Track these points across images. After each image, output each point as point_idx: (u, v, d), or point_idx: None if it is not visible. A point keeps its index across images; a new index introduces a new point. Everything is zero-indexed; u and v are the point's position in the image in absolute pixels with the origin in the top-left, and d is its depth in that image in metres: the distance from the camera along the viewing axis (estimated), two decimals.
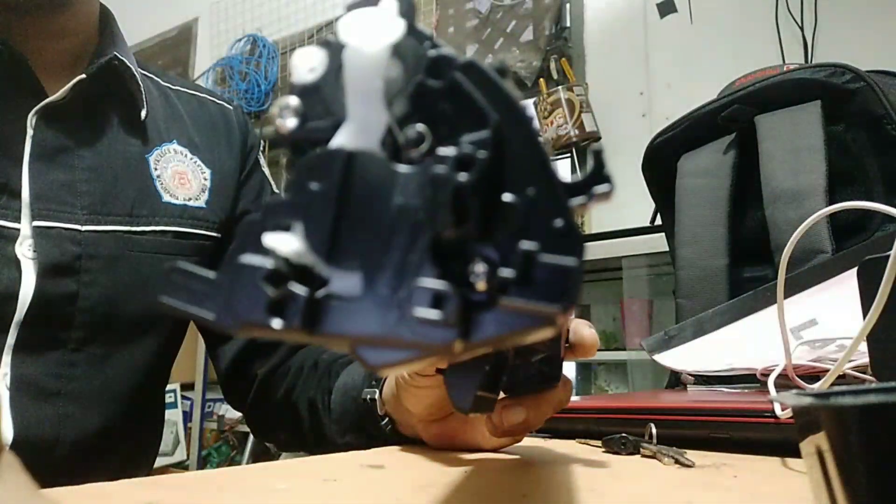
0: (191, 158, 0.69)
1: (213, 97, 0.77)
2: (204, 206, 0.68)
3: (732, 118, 0.85)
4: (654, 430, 0.46)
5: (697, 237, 0.86)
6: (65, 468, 0.57)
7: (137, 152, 0.65)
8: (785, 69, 0.90)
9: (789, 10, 2.01)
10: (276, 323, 0.13)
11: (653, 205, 0.99)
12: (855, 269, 0.43)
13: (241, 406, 0.74)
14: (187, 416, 2.58)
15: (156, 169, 0.66)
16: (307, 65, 0.15)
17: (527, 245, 0.13)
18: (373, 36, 0.14)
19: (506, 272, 0.13)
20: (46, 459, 0.57)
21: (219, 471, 0.44)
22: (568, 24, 2.41)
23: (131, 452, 0.66)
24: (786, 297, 0.50)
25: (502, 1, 2.56)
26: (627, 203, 2.21)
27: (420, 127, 0.14)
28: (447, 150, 0.13)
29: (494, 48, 2.57)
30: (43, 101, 0.59)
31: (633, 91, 2.25)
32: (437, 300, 0.12)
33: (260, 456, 2.43)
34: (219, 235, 0.70)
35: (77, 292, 0.58)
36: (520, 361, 0.35)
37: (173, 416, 2.56)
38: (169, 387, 2.70)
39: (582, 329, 0.41)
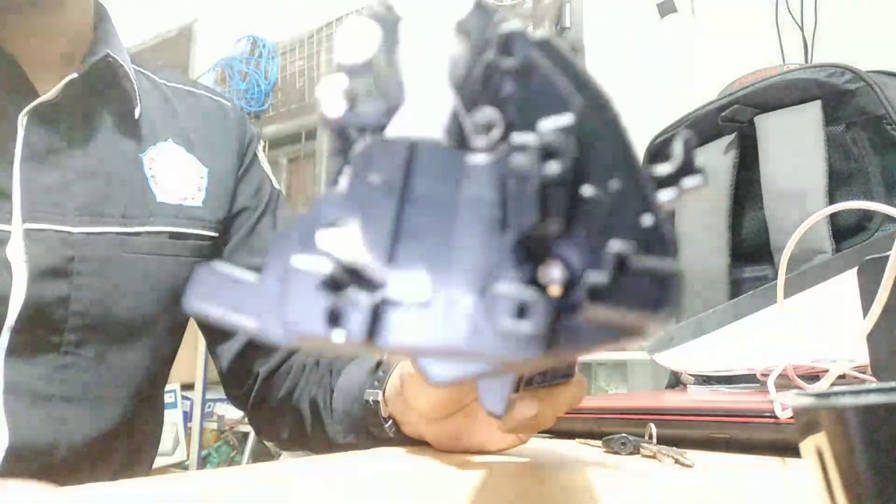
0: (186, 157, 0.69)
1: (210, 93, 0.76)
2: (200, 205, 0.68)
3: (732, 118, 0.85)
4: (654, 430, 0.46)
5: (697, 237, 0.86)
6: (63, 472, 0.57)
7: (131, 151, 0.65)
8: (785, 69, 0.90)
9: (789, 10, 2.01)
10: (338, 335, 0.11)
11: None
12: (855, 269, 0.43)
13: (242, 405, 0.73)
14: (187, 416, 2.58)
15: (150, 168, 0.65)
16: (358, 39, 0.13)
17: (618, 245, 0.11)
18: (434, 7, 0.12)
19: (595, 276, 0.11)
20: (44, 464, 0.56)
21: (219, 471, 0.44)
22: (568, 24, 2.41)
23: (130, 454, 0.65)
24: (786, 297, 0.50)
25: (502, 1, 2.56)
26: None
27: (491, 112, 0.12)
28: (526, 137, 0.12)
29: None
30: (34, 101, 0.58)
31: (633, 91, 2.25)
32: (521, 310, 0.11)
33: (260, 456, 2.43)
34: (216, 235, 0.69)
35: (69, 295, 0.58)
36: None
37: (173, 416, 2.56)
38: (169, 387, 2.71)
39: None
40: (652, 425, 0.46)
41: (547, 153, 0.11)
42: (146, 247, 0.63)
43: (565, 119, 0.12)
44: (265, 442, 2.40)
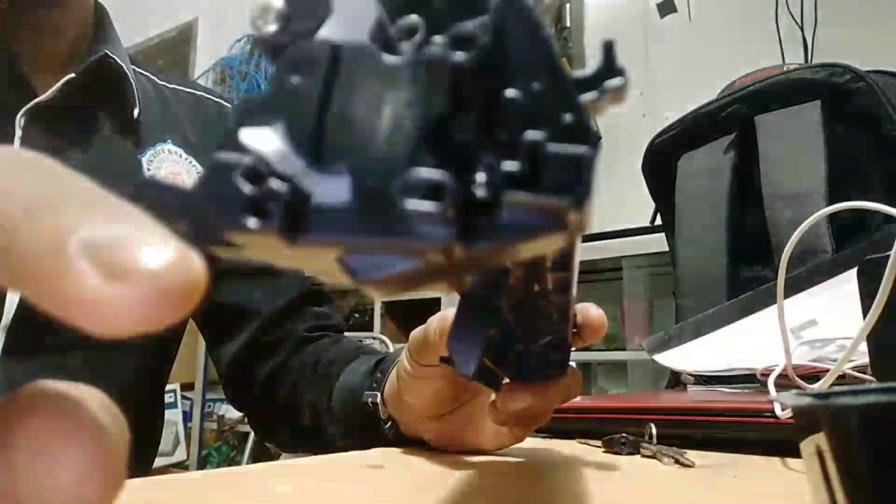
0: (186, 159, 0.69)
1: (211, 95, 0.76)
2: None
3: (732, 118, 0.85)
4: (653, 430, 0.46)
5: (697, 237, 0.86)
6: None
7: (130, 152, 0.64)
8: (785, 69, 0.90)
9: (789, 10, 2.01)
10: (252, 222, 0.11)
11: (653, 205, 0.99)
12: (855, 269, 0.43)
13: (242, 406, 0.73)
14: (187, 416, 2.58)
15: (149, 169, 0.65)
16: None
17: (533, 135, 0.11)
18: None
19: (509, 165, 0.11)
20: None
21: (219, 471, 0.44)
22: (568, 24, 2.41)
23: (134, 452, 0.65)
24: (786, 297, 0.50)
25: None
26: (627, 203, 2.21)
27: (412, 17, 0.12)
28: (459, 30, 0.12)
29: None
30: (32, 101, 0.58)
31: (634, 91, 2.25)
32: (432, 191, 0.11)
33: (260, 456, 2.43)
34: None
35: None
36: (525, 346, 0.34)
37: (173, 416, 2.56)
38: (169, 387, 2.70)
39: (588, 309, 0.39)
40: (652, 425, 0.46)
41: (461, 42, 0.11)
42: None
43: (481, 19, 0.12)
44: (265, 442, 2.40)
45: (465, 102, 0.11)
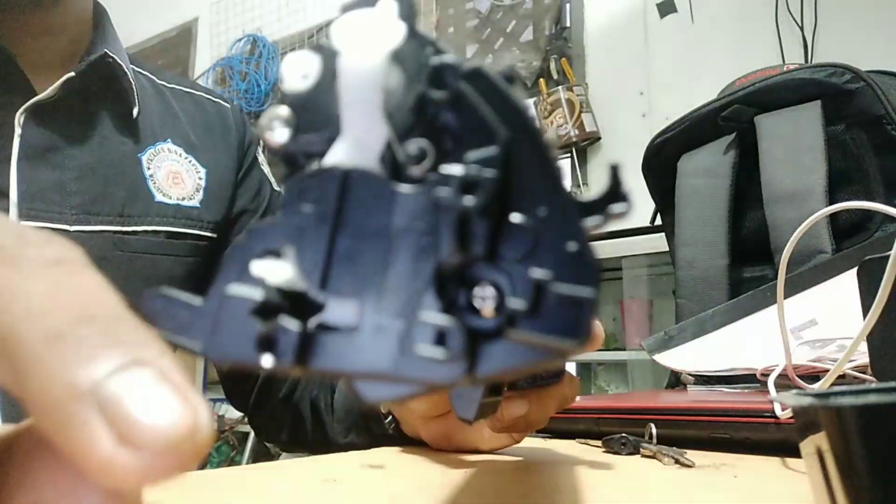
0: (185, 158, 0.69)
1: (210, 95, 0.77)
2: (198, 205, 0.68)
3: (732, 118, 0.85)
4: (654, 430, 0.46)
5: (697, 237, 0.86)
6: None
7: (130, 151, 0.65)
8: (785, 69, 0.90)
9: (789, 10, 2.01)
10: (267, 360, 0.12)
11: (653, 205, 0.99)
12: (855, 269, 0.43)
13: (243, 407, 0.73)
14: None
15: (149, 168, 0.65)
16: (299, 71, 0.13)
17: (538, 273, 0.12)
18: (370, 41, 0.13)
19: (515, 303, 0.12)
20: None
21: (219, 471, 0.44)
22: (568, 24, 2.41)
23: None
24: (786, 297, 0.50)
25: (502, 1, 2.56)
26: None
27: (422, 142, 0.13)
28: (452, 169, 0.12)
29: (494, 48, 2.57)
30: (31, 100, 0.58)
31: (633, 91, 2.25)
32: (441, 336, 0.11)
33: (260, 456, 2.43)
34: (214, 235, 0.69)
35: None
36: None
37: None
38: None
39: None
40: (652, 425, 0.46)
41: (468, 186, 0.12)
42: (143, 246, 0.63)
43: (490, 150, 0.12)
44: (266, 443, 2.40)
45: (472, 238, 0.12)
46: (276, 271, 0.12)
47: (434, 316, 0.12)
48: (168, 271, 0.64)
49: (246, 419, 0.77)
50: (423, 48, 0.13)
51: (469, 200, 0.12)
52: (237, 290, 0.12)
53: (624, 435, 0.46)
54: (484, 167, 0.12)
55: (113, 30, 0.68)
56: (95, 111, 0.63)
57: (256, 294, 0.12)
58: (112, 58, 0.63)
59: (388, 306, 0.12)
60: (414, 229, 0.12)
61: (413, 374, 0.11)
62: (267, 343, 0.12)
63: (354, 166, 0.12)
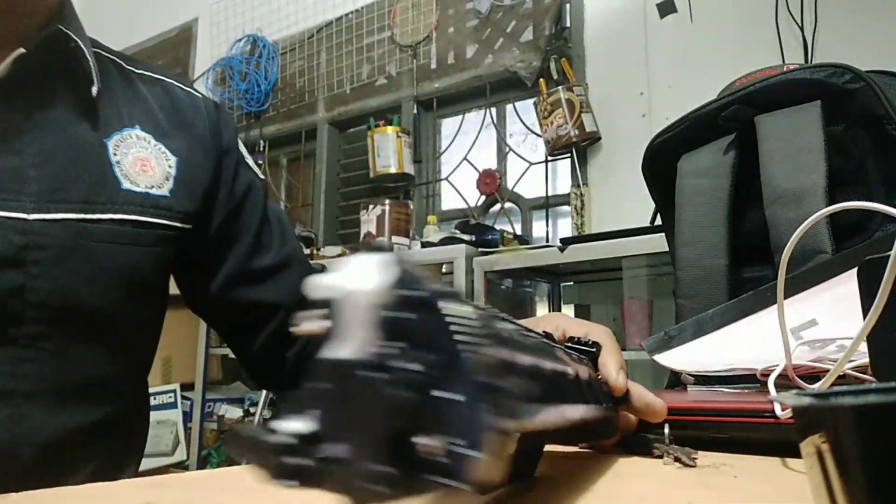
0: (155, 145, 0.66)
1: (180, 83, 0.74)
2: (167, 194, 0.65)
3: (732, 118, 0.85)
4: (666, 430, 0.46)
5: (697, 237, 0.86)
6: (32, 472, 0.55)
7: (94, 136, 0.62)
8: (785, 69, 0.90)
9: (789, 10, 2.01)
10: (277, 481, 0.18)
11: (653, 205, 0.99)
12: (855, 270, 0.43)
13: (277, 389, 0.75)
14: (187, 417, 2.58)
15: (115, 154, 0.62)
16: (325, 286, 0.19)
17: (446, 438, 0.17)
18: (368, 277, 0.19)
19: (430, 456, 0.17)
20: (7, 464, 0.54)
21: (219, 471, 0.44)
22: (568, 24, 2.41)
23: (111, 453, 0.63)
24: (786, 298, 0.50)
25: (502, 1, 2.56)
26: (627, 203, 2.21)
27: (395, 344, 0.18)
28: (410, 365, 0.18)
29: (494, 48, 2.57)
30: None
31: (633, 91, 2.25)
32: (382, 480, 0.17)
33: None
34: (185, 226, 0.66)
35: (24, 285, 0.55)
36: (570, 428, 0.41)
37: (173, 416, 2.56)
38: (169, 387, 2.70)
39: (646, 396, 0.48)
40: (666, 425, 0.46)
41: (406, 384, 0.18)
42: (108, 235, 0.60)
43: (432, 357, 0.18)
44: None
45: (406, 416, 0.18)
46: (292, 426, 0.18)
47: (377, 467, 0.18)
48: (135, 262, 0.62)
49: (246, 419, 0.78)
50: (406, 283, 0.19)
51: (404, 392, 0.18)
52: (266, 435, 0.18)
53: (643, 435, 0.46)
54: (423, 368, 0.18)
55: (73, 11, 0.65)
56: (54, 92, 0.61)
57: (275, 438, 0.18)
58: (67, 33, 0.60)
59: (358, 452, 0.18)
60: (379, 404, 0.18)
61: (361, 496, 0.18)
62: (277, 470, 0.18)
63: (347, 357, 0.18)
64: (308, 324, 0.20)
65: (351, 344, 0.18)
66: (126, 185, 0.62)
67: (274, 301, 0.72)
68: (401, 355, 0.18)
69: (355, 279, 0.19)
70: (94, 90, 0.62)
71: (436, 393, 0.18)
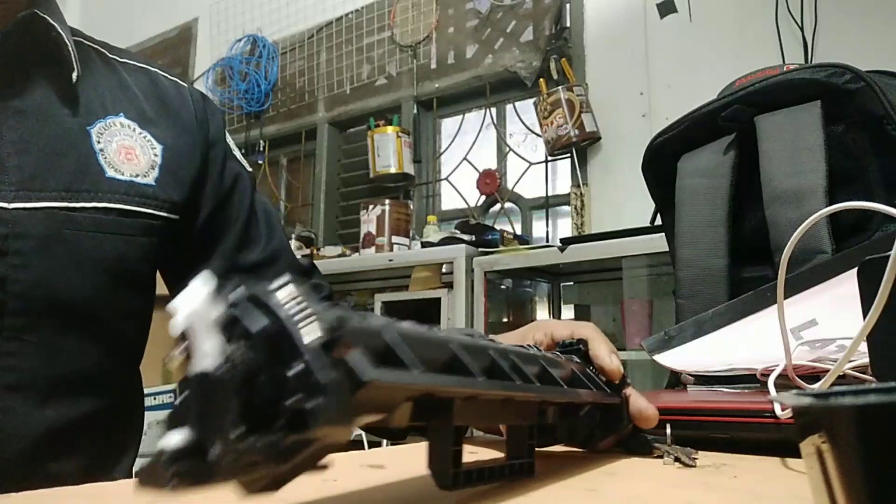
0: (140, 133, 0.65)
1: (165, 72, 0.73)
2: (153, 183, 0.64)
3: (732, 118, 0.85)
4: (668, 430, 0.46)
5: (697, 237, 0.86)
6: (19, 467, 0.54)
7: (76, 123, 0.61)
8: (785, 69, 0.90)
9: (789, 10, 2.01)
10: (172, 486, 0.20)
11: (653, 205, 0.99)
12: (855, 270, 0.43)
13: None
14: None
15: (99, 142, 0.61)
16: (175, 325, 0.22)
17: (293, 398, 0.20)
18: (194, 298, 0.21)
19: (282, 418, 0.20)
20: None
21: None
22: (568, 24, 2.41)
23: (103, 447, 0.62)
24: (786, 298, 0.50)
25: (502, 1, 2.56)
26: (627, 203, 2.21)
27: (237, 343, 0.21)
28: (251, 353, 0.21)
29: (494, 48, 2.57)
30: None
31: (633, 91, 2.25)
32: (241, 452, 0.20)
33: None
34: (171, 216, 0.65)
35: (6, 275, 0.54)
36: (567, 418, 0.41)
37: None
38: (169, 387, 2.70)
39: (639, 402, 0.47)
40: (668, 425, 0.46)
41: (232, 366, 0.20)
42: (92, 224, 0.59)
43: (251, 340, 0.21)
44: None
45: (256, 388, 0.20)
46: (173, 439, 0.20)
47: (235, 434, 0.20)
48: (120, 252, 0.61)
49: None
50: (227, 292, 0.22)
51: (230, 373, 0.20)
52: (159, 446, 0.20)
53: (643, 435, 0.46)
54: (246, 350, 0.21)
55: (56, 5, 0.64)
56: (32, 79, 0.60)
57: (166, 452, 0.20)
58: (43, 17, 0.59)
59: (224, 439, 0.20)
60: (226, 391, 0.20)
61: (240, 475, 0.20)
62: (172, 478, 0.20)
63: (203, 369, 0.20)
64: (173, 359, 0.22)
65: (203, 354, 0.21)
66: (110, 173, 0.61)
67: None
68: (242, 348, 0.21)
69: (186, 305, 0.21)
70: (74, 76, 0.61)
71: (283, 370, 0.20)
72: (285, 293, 0.21)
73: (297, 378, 0.20)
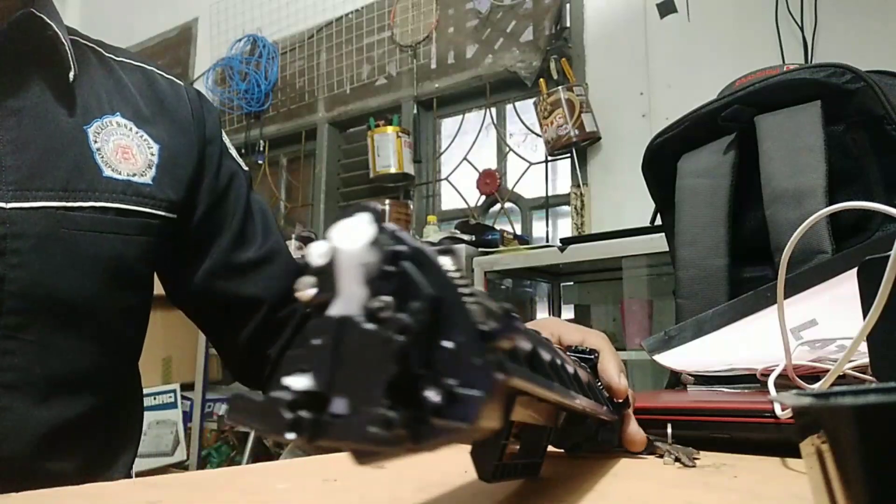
0: (136, 132, 0.65)
1: (162, 71, 0.73)
2: (150, 182, 0.64)
3: (732, 118, 0.85)
4: (669, 430, 0.46)
5: (697, 237, 0.86)
6: (17, 466, 0.54)
7: (73, 123, 0.61)
8: (785, 69, 0.90)
9: (789, 10, 2.01)
10: (290, 436, 0.19)
11: (653, 205, 0.99)
12: (855, 270, 0.43)
13: (259, 385, 0.74)
14: (187, 417, 2.58)
15: (95, 141, 0.61)
16: (318, 253, 0.21)
17: (449, 381, 0.18)
18: (353, 237, 0.20)
19: (435, 399, 0.18)
20: None
21: (219, 471, 0.44)
22: (568, 24, 2.41)
23: (101, 446, 0.62)
24: (786, 298, 0.50)
25: (502, 1, 2.56)
26: (627, 203, 2.21)
27: (384, 298, 0.19)
28: (402, 316, 0.19)
29: (494, 48, 2.57)
30: None
31: (633, 91, 2.25)
32: (387, 423, 0.18)
33: (260, 456, 2.43)
34: (169, 216, 0.65)
35: (4, 275, 0.54)
36: (572, 426, 0.41)
37: (173, 416, 2.56)
38: (169, 387, 2.70)
39: (633, 427, 0.46)
40: (669, 425, 0.46)
41: (402, 330, 0.18)
42: (90, 223, 0.59)
43: (419, 305, 0.19)
44: (265, 441, 2.40)
45: (406, 361, 0.18)
46: (299, 382, 0.19)
47: (383, 411, 0.18)
48: (117, 251, 0.61)
49: None
50: (387, 239, 0.20)
51: (400, 339, 0.18)
52: (276, 393, 0.19)
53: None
54: (414, 316, 0.19)
55: (52, 4, 0.64)
56: (29, 78, 0.60)
57: (287, 395, 0.19)
58: (39, 17, 0.59)
59: (361, 403, 0.18)
60: (376, 353, 0.19)
61: (372, 445, 0.18)
62: (295, 426, 0.19)
63: (344, 314, 0.19)
64: (303, 290, 0.20)
65: (346, 301, 0.19)
66: (107, 172, 0.61)
67: (257, 295, 0.71)
68: (394, 307, 0.19)
69: (343, 241, 0.20)
70: (71, 75, 0.61)
71: (438, 341, 0.19)
72: (448, 262, 0.20)
73: (458, 359, 0.18)
